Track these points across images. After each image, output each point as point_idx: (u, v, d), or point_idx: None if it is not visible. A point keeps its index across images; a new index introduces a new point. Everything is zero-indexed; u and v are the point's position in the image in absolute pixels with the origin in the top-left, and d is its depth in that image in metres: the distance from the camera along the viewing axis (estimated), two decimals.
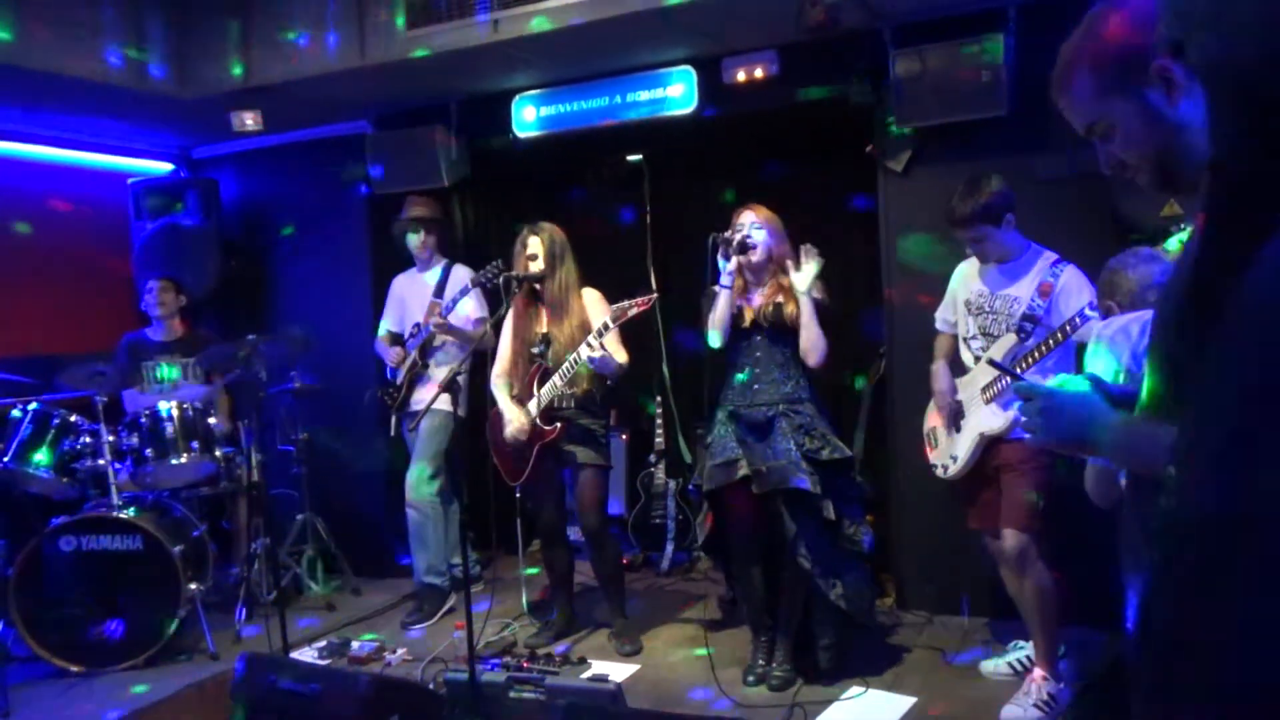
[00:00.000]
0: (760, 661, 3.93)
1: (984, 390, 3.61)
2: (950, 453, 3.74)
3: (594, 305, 4.31)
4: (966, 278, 3.78)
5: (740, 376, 3.90)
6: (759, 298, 3.90)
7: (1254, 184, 0.87)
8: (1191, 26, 0.96)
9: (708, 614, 4.76)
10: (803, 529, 3.70)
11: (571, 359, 4.12)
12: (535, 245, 4.31)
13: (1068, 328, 3.30)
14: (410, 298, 5.12)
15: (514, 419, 4.30)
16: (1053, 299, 3.46)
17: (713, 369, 3.99)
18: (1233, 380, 0.69)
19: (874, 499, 4.48)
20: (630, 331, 4.33)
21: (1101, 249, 3.77)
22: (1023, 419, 1.51)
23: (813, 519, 3.70)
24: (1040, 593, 3.49)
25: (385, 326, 5.22)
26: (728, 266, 3.82)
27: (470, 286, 4.73)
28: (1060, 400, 1.44)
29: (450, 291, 4.91)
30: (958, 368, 3.81)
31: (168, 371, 5.11)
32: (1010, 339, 3.52)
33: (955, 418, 3.72)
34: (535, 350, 4.33)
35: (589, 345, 4.04)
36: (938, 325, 3.95)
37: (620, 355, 4.24)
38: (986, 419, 3.59)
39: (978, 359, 3.65)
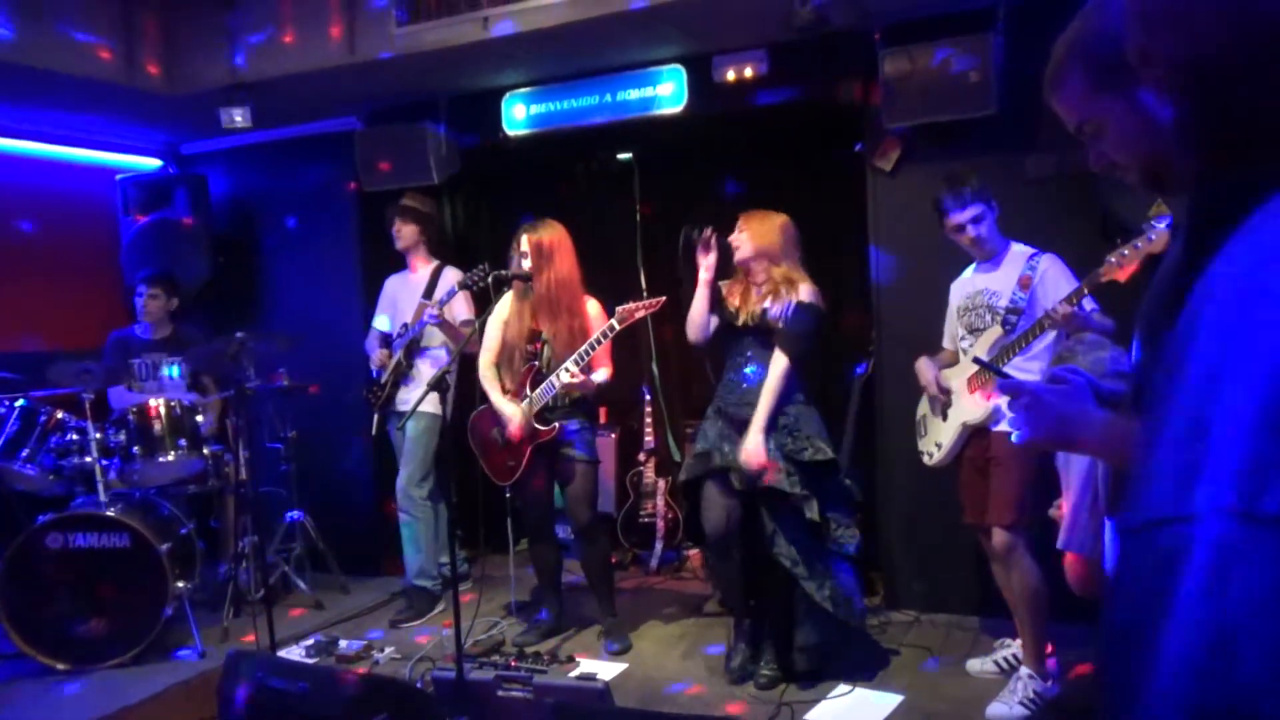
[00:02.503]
0: (747, 660, 3.94)
1: (969, 381, 3.64)
2: (935, 440, 3.80)
3: (595, 318, 4.31)
4: (957, 288, 3.84)
5: (731, 375, 3.92)
6: (753, 299, 3.90)
7: (1227, 187, 0.87)
8: (1152, 27, 0.95)
9: (697, 613, 4.76)
10: (782, 527, 3.72)
11: (553, 379, 4.15)
12: (525, 244, 4.31)
13: (1047, 320, 3.29)
14: (401, 299, 5.10)
15: (514, 415, 4.26)
16: (1033, 290, 3.51)
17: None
18: (1178, 377, 0.68)
19: (862, 500, 4.47)
20: (622, 331, 4.34)
21: (1091, 248, 3.79)
22: (1008, 416, 1.51)
23: (794, 518, 3.71)
24: (1028, 589, 3.51)
25: (376, 327, 5.20)
26: (706, 262, 3.88)
27: (457, 289, 4.71)
28: (1045, 398, 1.43)
29: (439, 293, 4.89)
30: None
31: (175, 370, 5.09)
32: (995, 331, 3.56)
33: (944, 407, 3.76)
34: (530, 350, 4.33)
35: (567, 370, 4.08)
36: (945, 343, 3.96)
37: (604, 369, 4.26)
38: (969, 409, 3.64)
39: (967, 352, 3.67)
